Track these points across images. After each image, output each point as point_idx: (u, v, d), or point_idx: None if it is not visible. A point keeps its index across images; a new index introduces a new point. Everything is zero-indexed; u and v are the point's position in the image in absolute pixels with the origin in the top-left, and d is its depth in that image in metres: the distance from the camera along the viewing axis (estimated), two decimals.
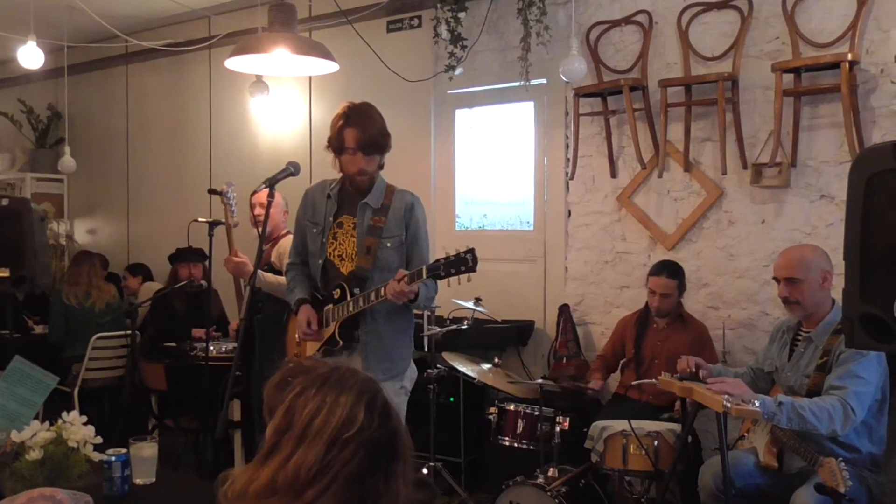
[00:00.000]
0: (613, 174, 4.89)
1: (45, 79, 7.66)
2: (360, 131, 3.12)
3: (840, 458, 2.93)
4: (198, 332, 5.17)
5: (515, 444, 4.24)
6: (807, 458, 3.11)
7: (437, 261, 2.96)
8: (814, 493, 2.90)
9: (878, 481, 3.27)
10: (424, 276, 2.96)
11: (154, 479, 2.59)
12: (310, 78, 6.15)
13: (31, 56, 6.03)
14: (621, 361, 4.55)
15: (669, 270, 4.32)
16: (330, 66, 4.30)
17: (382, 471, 1.30)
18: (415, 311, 3.38)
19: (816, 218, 4.22)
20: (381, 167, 3.27)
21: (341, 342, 3.21)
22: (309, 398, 1.32)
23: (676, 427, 3.68)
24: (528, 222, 5.36)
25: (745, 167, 4.39)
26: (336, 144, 3.19)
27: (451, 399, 4.88)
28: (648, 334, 4.36)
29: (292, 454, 1.29)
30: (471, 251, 2.90)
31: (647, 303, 4.41)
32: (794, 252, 3.53)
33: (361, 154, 3.15)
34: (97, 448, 2.46)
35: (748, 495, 3.38)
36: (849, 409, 3.05)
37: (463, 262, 2.90)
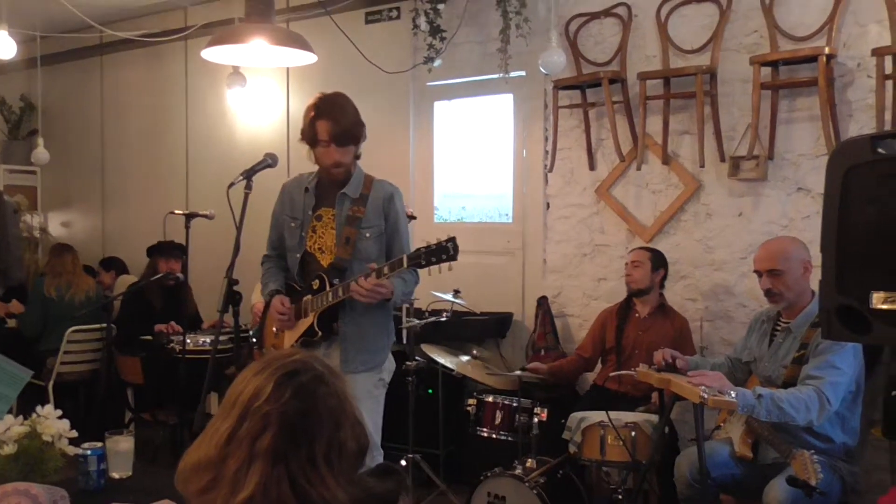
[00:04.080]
0: (592, 167, 4.90)
1: (18, 69, 7.55)
2: (332, 123, 3.10)
3: (812, 451, 2.95)
4: (160, 328, 5.13)
5: (494, 436, 4.25)
6: (780, 450, 3.13)
7: (418, 249, 2.93)
8: (786, 486, 2.92)
9: (851, 471, 3.30)
10: (405, 265, 2.93)
11: (131, 473, 2.58)
12: (287, 69, 6.11)
13: (2, 46, 5.93)
14: (601, 352, 4.54)
15: (645, 247, 4.45)
16: (308, 58, 4.26)
17: (304, 452, 1.29)
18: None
19: (793, 210, 4.25)
20: (357, 157, 3.25)
21: (320, 333, 3.19)
22: (239, 379, 1.36)
23: (654, 418, 3.70)
24: (506, 215, 5.36)
25: (722, 160, 4.41)
26: (309, 136, 3.17)
27: (430, 391, 4.87)
28: (630, 324, 4.38)
29: (213, 428, 1.33)
30: (451, 240, 2.87)
31: (627, 294, 4.43)
32: (775, 244, 3.55)
33: (335, 146, 3.12)
34: (73, 442, 2.43)
35: (723, 485, 3.41)
36: (824, 398, 3.08)
37: (444, 251, 2.87)
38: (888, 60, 3.82)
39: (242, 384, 1.34)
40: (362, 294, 2.99)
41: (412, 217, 4.52)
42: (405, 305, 4.70)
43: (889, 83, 3.83)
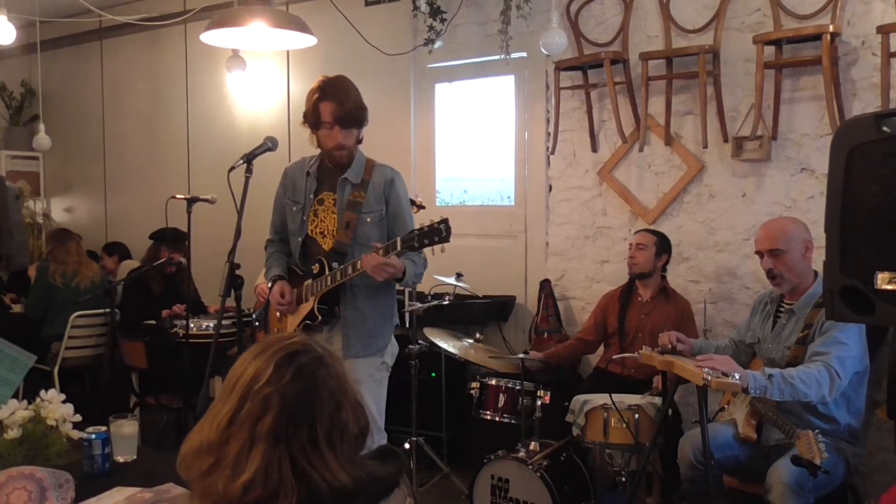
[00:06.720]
0: (594, 148, 4.88)
1: (18, 55, 7.52)
2: (336, 104, 3.10)
3: (817, 430, 2.95)
4: (166, 313, 5.14)
5: (497, 419, 4.25)
6: (784, 430, 3.13)
7: (412, 231, 2.94)
8: (791, 466, 2.92)
9: (855, 452, 3.30)
10: (399, 247, 2.93)
11: (135, 457, 2.58)
12: (287, 52, 6.08)
13: (2, 31, 5.90)
14: (603, 336, 4.54)
15: (651, 230, 4.42)
16: (307, 40, 4.24)
17: (305, 433, 1.29)
18: (396, 287, 3.36)
19: (797, 191, 4.23)
20: (359, 141, 3.24)
21: (320, 317, 3.19)
22: (239, 362, 1.36)
23: (657, 400, 3.70)
24: (508, 197, 5.34)
25: (725, 140, 4.39)
26: (312, 119, 3.17)
27: (433, 374, 4.88)
28: (632, 308, 4.37)
29: (213, 411, 1.33)
30: (444, 221, 2.88)
31: (629, 277, 4.42)
32: (775, 224, 3.53)
33: (339, 128, 3.12)
34: (77, 426, 2.44)
35: (727, 467, 3.41)
36: (834, 372, 3.07)
37: (437, 233, 2.88)
38: (893, 38, 3.78)
39: (242, 367, 1.34)
40: (371, 266, 2.96)
41: (421, 206, 4.52)
42: (408, 289, 4.70)
43: (894, 61, 3.80)
